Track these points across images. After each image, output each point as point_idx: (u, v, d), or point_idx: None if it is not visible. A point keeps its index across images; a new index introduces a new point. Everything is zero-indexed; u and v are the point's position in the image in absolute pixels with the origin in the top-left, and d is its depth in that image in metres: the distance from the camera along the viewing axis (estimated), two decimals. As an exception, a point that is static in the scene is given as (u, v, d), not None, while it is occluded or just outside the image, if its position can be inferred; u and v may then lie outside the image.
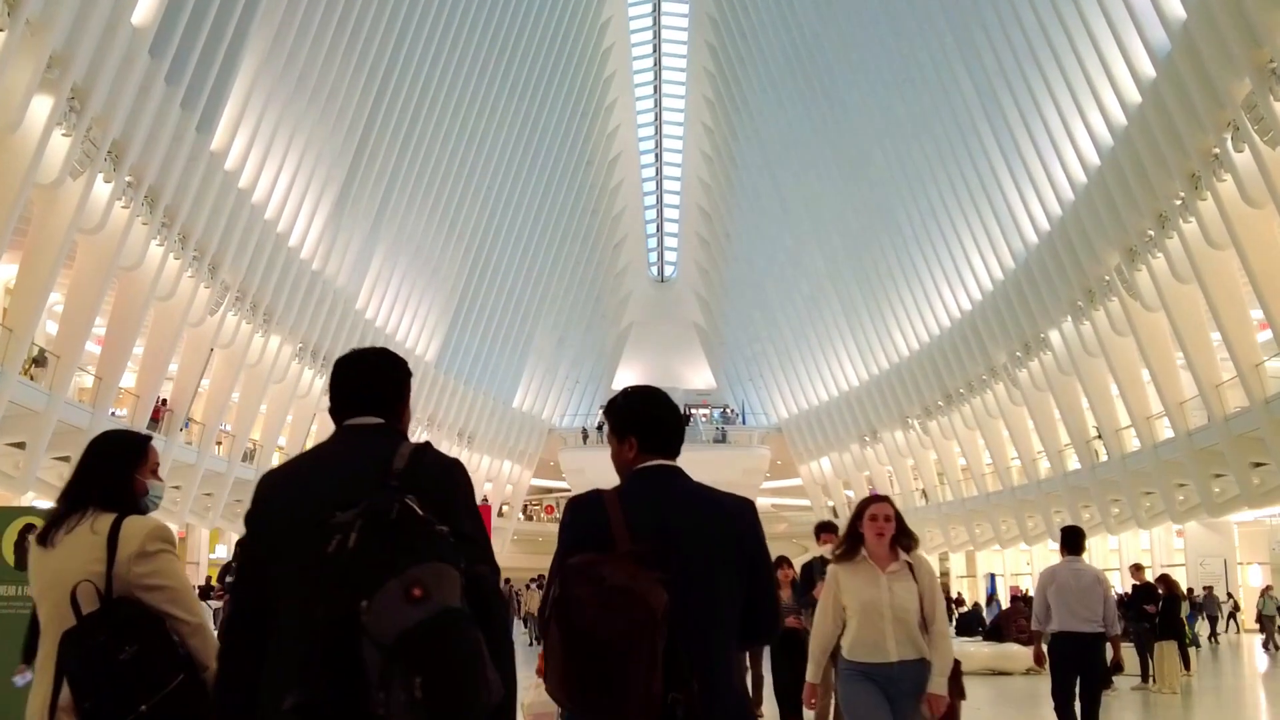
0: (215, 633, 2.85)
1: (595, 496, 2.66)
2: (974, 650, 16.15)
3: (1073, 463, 32.01)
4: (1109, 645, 7.23)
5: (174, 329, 24.87)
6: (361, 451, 2.29)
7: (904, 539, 4.90)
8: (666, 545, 2.49)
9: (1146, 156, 22.46)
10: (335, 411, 2.43)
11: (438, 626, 1.93)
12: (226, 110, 24.06)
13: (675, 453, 2.77)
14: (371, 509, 2.04)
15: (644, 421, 2.76)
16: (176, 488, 28.10)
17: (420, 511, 2.07)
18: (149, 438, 3.19)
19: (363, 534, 2.01)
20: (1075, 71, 24.37)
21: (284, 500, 2.29)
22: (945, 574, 47.28)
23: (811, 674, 5.12)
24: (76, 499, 2.93)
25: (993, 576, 33.53)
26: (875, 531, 4.82)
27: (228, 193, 25.27)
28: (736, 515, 2.69)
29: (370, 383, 2.43)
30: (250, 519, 2.32)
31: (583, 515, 2.63)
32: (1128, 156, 23.34)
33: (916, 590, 4.80)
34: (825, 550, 7.39)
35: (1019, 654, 15.64)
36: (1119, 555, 33.95)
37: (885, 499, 5.01)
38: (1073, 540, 7.46)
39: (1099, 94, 23.75)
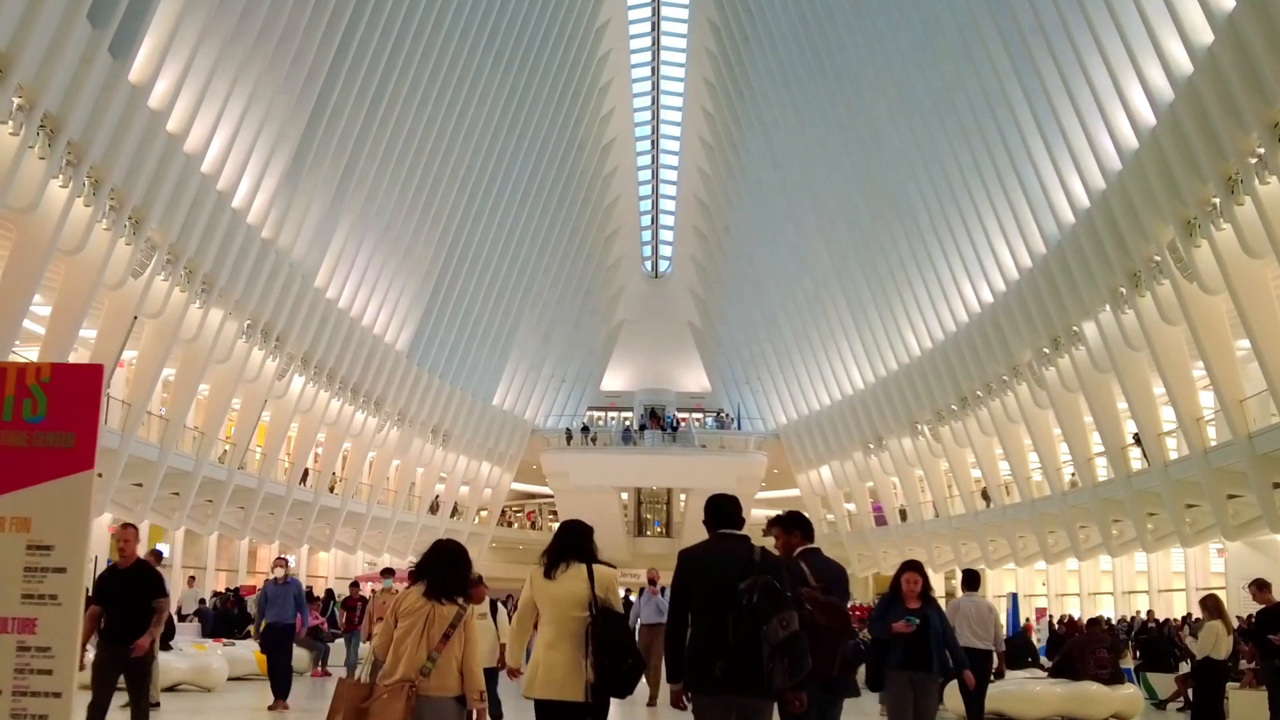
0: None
1: (796, 562, 6.18)
2: (1041, 691, 12.30)
3: (1103, 473, 29.00)
4: (996, 658, 10.23)
5: (86, 289, 21.52)
6: (734, 549, 5.08)
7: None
8: (827, 585, 5.96)
9: (1215, 108, 19.18)
10: (710, 524, 5.27)
11: (793, 639, 4.78)
12: (150, 34, 20.66)
13: (812, 539, 6.54)
14: (764, 584, 4.84)
15: (806, 528, 6.46)
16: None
17: (779, 585, 4.89)
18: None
19: (760, 595, 4.80)
20: (1131, 17, 21.13)
21: (699, 569, 5.09)
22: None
23: None
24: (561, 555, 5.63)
25: (1014, 596, 30.39)
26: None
27: (154, 136, 21.90)
28: (843, 569, 6.55)
29: (735, 512, 5.26)
30: (683, 575, 5.11)
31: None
32: (1190, 111, 20.09)
33: None
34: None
35: (1099, 696, 11.96)
36: (1147, 577, 30.71)
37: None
38: (971, 580, 10.67)
39: (1159, 40, 20.51)
